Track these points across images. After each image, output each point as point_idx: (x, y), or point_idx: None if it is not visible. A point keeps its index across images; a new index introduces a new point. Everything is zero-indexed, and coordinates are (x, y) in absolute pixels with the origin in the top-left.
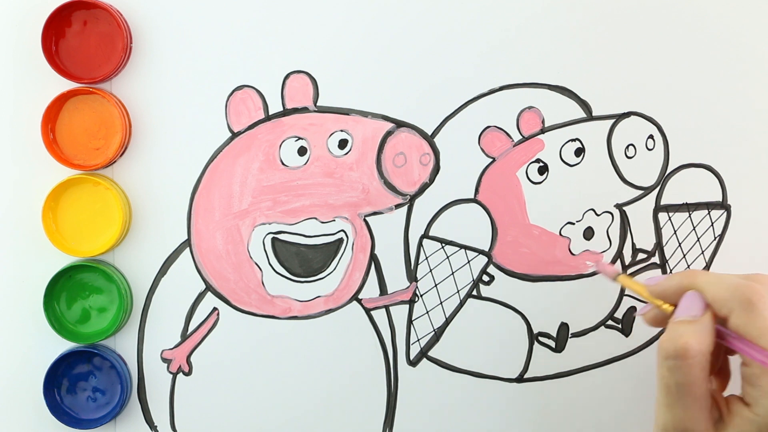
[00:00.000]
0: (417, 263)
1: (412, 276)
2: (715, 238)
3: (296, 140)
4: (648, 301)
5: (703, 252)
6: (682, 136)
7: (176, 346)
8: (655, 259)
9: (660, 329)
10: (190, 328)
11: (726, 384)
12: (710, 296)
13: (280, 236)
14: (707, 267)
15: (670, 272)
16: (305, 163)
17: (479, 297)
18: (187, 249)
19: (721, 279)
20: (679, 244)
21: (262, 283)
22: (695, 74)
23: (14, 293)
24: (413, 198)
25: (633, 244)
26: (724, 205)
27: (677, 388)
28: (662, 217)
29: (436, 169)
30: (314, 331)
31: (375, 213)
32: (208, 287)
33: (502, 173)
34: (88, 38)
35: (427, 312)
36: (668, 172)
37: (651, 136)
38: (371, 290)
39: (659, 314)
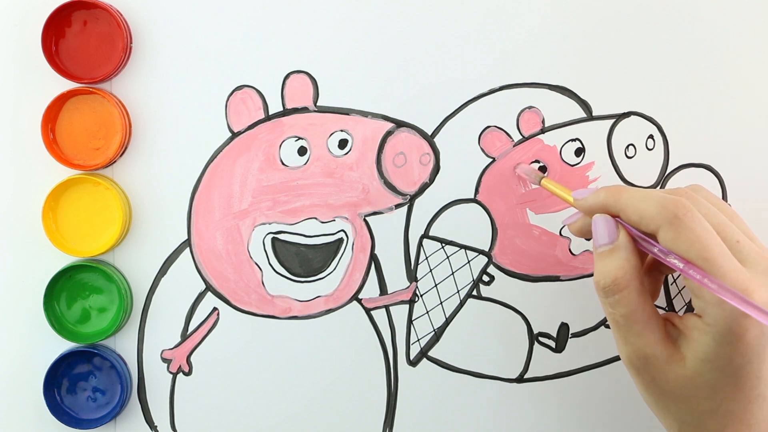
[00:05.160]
0: (417, 263)
1: (412, 276)
2: None
3: (296, 140)
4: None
5: None
6: (682, 136)
7: (176, 346)
8: None
9: None
10: (190, 328)
11: None
12: (637, 213)
13: (280, 236)
14: None
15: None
16: (305, 163)
17: (479, 297)
18: (187, 249)
19: (646, 195)
20: None
21: (262, 283)
22: (695, 74)
23: (14, 293)
24: (413, 198)
25: None
26: None
27: (624, 319)
28: None
29: (436, 169)
30: (314, 331)
31: (375, 213)
32: (208, 287)
33: (502, 173)
34: (88, 38)
35: (427, 312)
36: (668, 172)
37: (651, 136)
38: (371, 290)
39: (584, 225)
